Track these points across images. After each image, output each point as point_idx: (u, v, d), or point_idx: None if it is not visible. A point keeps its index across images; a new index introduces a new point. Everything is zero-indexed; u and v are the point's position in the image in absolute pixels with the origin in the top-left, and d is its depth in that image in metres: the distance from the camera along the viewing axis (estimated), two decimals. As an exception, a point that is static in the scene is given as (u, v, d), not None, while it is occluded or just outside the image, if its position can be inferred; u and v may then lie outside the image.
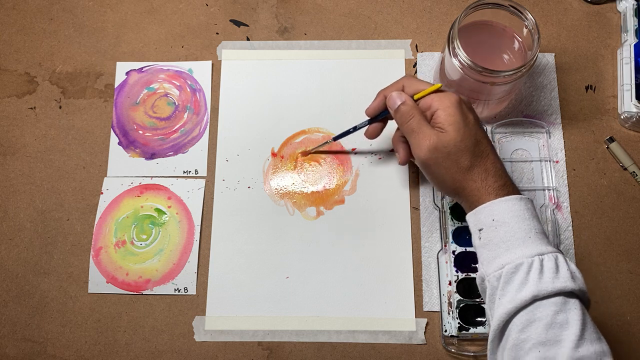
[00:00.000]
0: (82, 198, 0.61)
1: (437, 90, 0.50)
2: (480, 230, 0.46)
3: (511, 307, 0.42)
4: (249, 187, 0.61)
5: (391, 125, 0.56)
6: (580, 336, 0.40)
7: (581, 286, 0.43)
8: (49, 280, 0.58)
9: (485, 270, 0.45)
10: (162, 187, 0.61)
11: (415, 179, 0.60)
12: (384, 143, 0.61)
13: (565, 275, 0.42)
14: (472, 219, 0.47)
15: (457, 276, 0.56)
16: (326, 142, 0.60)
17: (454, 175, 0.47)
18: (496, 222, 0.45)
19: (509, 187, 0.47)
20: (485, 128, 0.61)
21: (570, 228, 0.58)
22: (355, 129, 0.57)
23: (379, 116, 0.55)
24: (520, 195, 0.46)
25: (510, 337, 0.42)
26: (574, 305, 0.41)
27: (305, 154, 0.61)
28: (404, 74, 0.64)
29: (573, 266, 0.44)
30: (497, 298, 0.43)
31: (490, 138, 0.60)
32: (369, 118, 0.56)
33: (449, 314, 0.55)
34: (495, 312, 0.43)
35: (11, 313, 0.58)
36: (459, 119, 0.47)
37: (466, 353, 0.54)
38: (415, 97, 0.51)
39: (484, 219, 0.46)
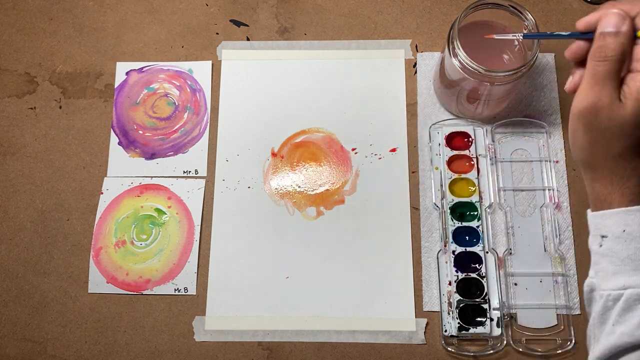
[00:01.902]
0: (82, 198, 0.61)
1: None
2: (603, 236, 0.39)
3: (629, 341, 0.36)
4: (249, 187, 0.61)
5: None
6: None
7: None
8: (49, 280, 0.58)
9: (599, 283, 0.39)
10: (162, 187, 0.61)
11: (415, 178, 0.60)
12: (384, 143, 0.61)
13: None
14: (596, 221, 0.40)
15: (457, 276, 0.56)
16: (515, 35, 0.50)
17: (595, 151, 0.39)
18: (627, 235, 0.37)
19: None
20: (484, 128, 0.61)
21: (571, 228, 0.58)
22: (558, 35, 0.44)
23: (590, 34, 0.40)
24: None
25: None
26: None
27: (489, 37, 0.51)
28: (404, 74, 0.64)
29: None
30: (609, 322, 0.37)
31: (490, 138, 0.60)
32: (579, 31, 0.41)
33: (448, 314, 0.55)
34: (605, 337, 0.37)
35: (11, 313, 0.58)
36: None
37: (466, 353, 0.54)
38: None
39: (612, 226, 0.38)
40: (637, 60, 0.37)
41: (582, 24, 0.40)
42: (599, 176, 0.39)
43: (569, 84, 0.42)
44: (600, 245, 0.39)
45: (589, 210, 0.41)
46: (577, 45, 0.41)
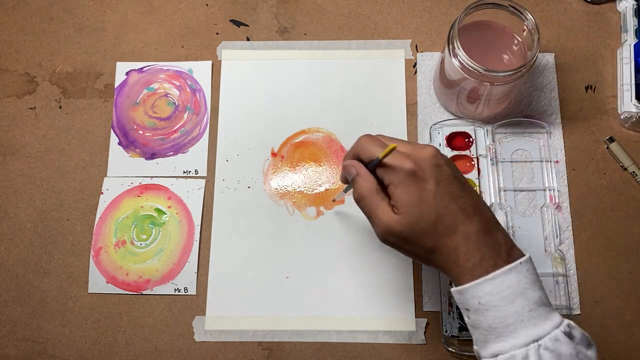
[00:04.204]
0: (82, 198, 0.61)
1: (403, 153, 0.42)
2: (467, 309, 0.40)
3: None
4: (249, 187, 0.61)
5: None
6: None
7: None
8: (49, 280, 0.58)
9: (478, 351, 0.41)
10: (162, 187, 0.61)
11: (415, 179, 0.60)
12: (384, 143, 0.61)
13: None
14: (457, 297, 0.41)
15: (457, 276, 0.55)
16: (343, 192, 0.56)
17: (419, 255, 0.42)
18: (482, 306, 0.39)
19: (488, 259, 0.39)
20: (485, 129, 0.61)
21: (570, 228, 0.58)
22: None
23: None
24: (508, 267, 0.39)
25: None
26: None
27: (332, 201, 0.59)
28: (404, 74, 0.64)
29: (577, 334, 0.39)
30: None
31: (491, 138, 0.60)
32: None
33: (449, 314, 0.55)
34: None
35: (11, 313, 0.57)
36: (413, 197, 0.40)
37: (466, 353, 0.54)
38: (383, 158, 0.42)
39: (469, 300, 0.40)
40: (382, 178, 0.42)
41: (342, 179, 0.48)
42: (441, 268, 0.42)
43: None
44: (468, 317, 0.41)
45: (451, 289, 0.43)
46: None
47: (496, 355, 0.38)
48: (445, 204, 0.40)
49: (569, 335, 0.38)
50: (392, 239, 0.42)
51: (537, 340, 0.37)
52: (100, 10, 0.67)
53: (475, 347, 0.41)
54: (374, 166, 0.43)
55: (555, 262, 0.56)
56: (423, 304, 0.56)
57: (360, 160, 0.44)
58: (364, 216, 0.59)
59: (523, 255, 0.40)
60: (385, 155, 0.42)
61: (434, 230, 0.40)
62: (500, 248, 0.40)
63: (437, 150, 0.42)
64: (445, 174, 0.41)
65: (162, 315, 0.57)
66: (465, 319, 0.41)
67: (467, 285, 0.39)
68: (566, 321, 0.39)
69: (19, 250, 0.59)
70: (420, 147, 0.42)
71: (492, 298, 0.38)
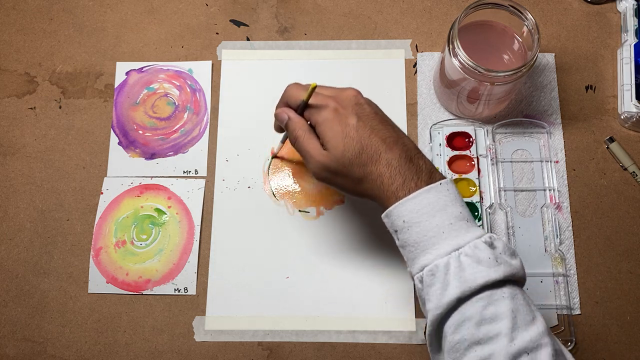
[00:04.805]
0: (82, 198, 0.61)
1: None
2: (395, 231, 0.43)
3: (439, 312, 0.40)
4: (249, 187, 0.61)
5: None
6: (512, 327, 0.38)
7: (507, 270, 0.40)
8: (49, 280, 0.58)
9: (410, 271, 0.43)
10: (162, 187, 0.61)
11: (415, 179, 0.60)
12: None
13: (488, 264, 0.39)
14: (386, 220, 0.44)
15: (457, 276, 0.55)
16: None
17: (350, 187, 0.46)
18: (407, 224, 0.42)
19: (410, 182, 0.43)
20: (485, 129, 0.61)
21: (570, 228, 0.58)
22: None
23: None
24: (428, 186, 0.42)
25: (446, 339, 0.40)
26: (502, 294, 0.39)
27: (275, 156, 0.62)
28: (404, 74, 0.64)
29: (499, 244, 0.41)
30: (425, 303, 0.41)
31: (491, 138, 0.60)
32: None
33: (449, 314, 0.55)
34: (427, 316, 0.41)
35: (11, 313, 0.57)
36: (337, 132, 0.45)
37: (466, 353, 0.54)
38: (309, 99, 0.47)
39: (395, 221, 0.43)
40: (309, 119, 0.47)
41: (276, 128, 0.53)
42: (370, 196, 0.45)
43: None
44: (397, 239, 0.44)
45: (382, 216, 0.45)
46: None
47: (423, 268, 0.41)
48: (367, 136, 0.44)
49: (490, 244, 0.41)
50: (324, 174, 0.46)
51: (457, 249, 0.40)
52: (100, 10, 0.67)
53: (408, 269, 0.44)
54: (303, 109, 0.47)
55: (555, 262, 0.56)
56: (423, 304, 0.56)
57: (290, 107, 0.49)
58: (364, 216, 0.59)
59: (444, 178, 0.44)
60: (310, 95, 0.46)
61: (359, 161, 0.44)
62: (422, 172, 0.43)
63: (358, 91, 0.47)
64: (365, 111, 0.46)
65: (162, 315, 0.57)
66: (396, 242, 0.44)
67: (392, 207, 0.43)
68: (488, 234, 0.41)
69: (19, 250, 0.59)
70: (342, 89, 0.48)
71: (414, 215, 0.42)
